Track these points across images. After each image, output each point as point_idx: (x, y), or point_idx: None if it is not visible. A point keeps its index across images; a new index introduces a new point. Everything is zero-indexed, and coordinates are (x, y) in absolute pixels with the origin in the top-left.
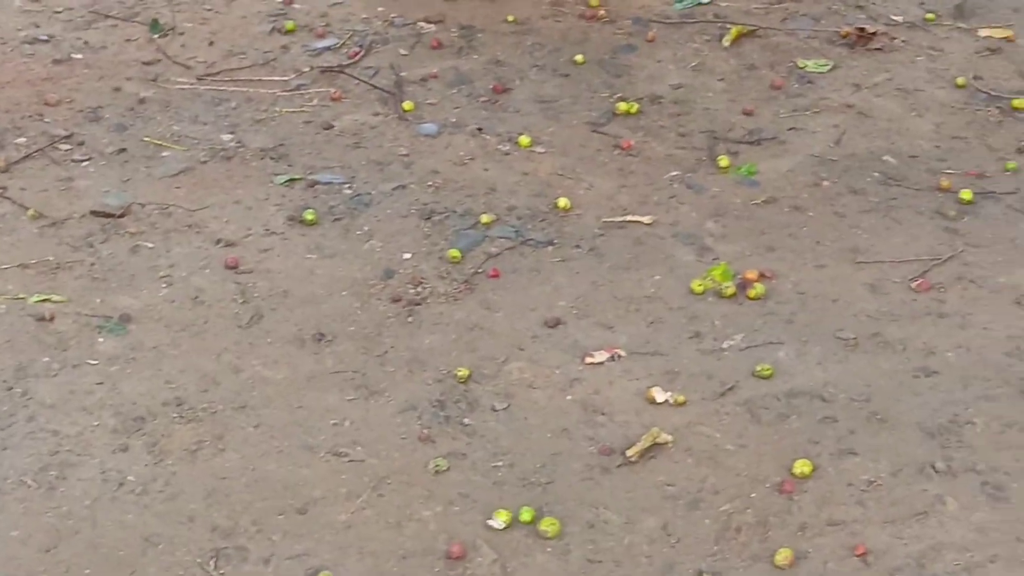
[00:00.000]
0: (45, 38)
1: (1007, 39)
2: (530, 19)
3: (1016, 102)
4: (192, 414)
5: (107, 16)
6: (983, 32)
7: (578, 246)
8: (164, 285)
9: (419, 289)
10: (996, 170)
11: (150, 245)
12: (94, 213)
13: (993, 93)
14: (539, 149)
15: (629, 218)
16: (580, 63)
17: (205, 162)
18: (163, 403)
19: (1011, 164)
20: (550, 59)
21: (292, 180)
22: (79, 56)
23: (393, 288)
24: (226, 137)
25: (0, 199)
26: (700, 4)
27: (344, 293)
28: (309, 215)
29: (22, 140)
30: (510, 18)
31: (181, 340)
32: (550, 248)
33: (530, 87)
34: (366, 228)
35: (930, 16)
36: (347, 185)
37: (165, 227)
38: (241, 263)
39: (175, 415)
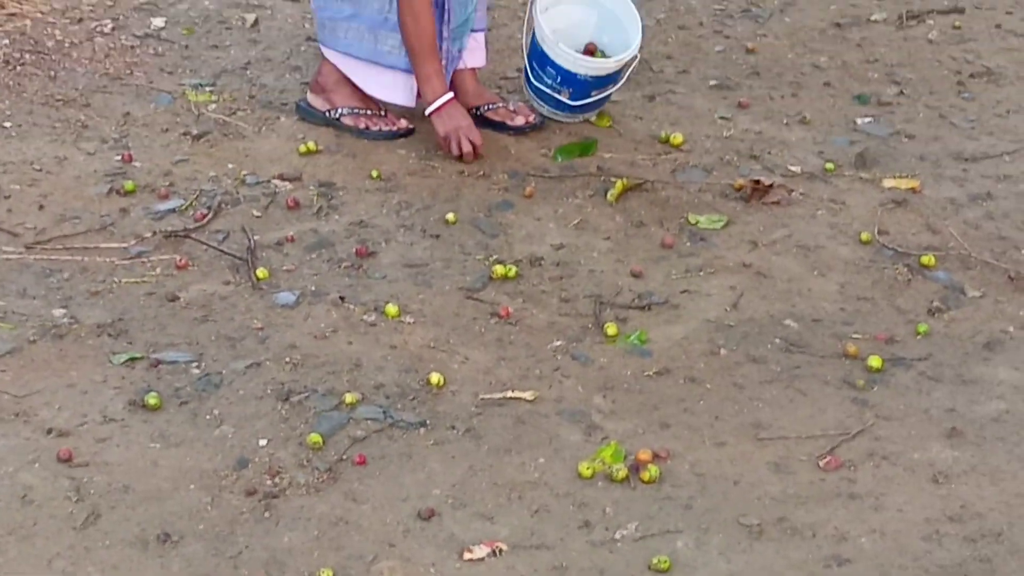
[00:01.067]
0: None
1: (913, 190)
2: (396, 174)
3: (925, 259)
4: None
5: None
6: (887, 183)
7: (453, 427)
8: None
9: (276, 480)
10: (906, 333)
11: None
12: None
13: (900, 249)
14: (408, 319)
15: (509, 394)
16: (452, 222)
17: (34, 341)
18: None
19: (922, 327)
20: (419, 218)
21: (132, 359)
22: None
23: (247, 479)
24: (58, 312)
25: None
26: (582, 156)
27: (192, 487)
28: (152, 399)
29: None
30: (374, 174)
31: (7, 546)
32: (422, 430)
33: (397, 250)
34: (216, 412)
35: (830, 166)
36: (194, 364)
37: None
38: (75, 455)
39: None
